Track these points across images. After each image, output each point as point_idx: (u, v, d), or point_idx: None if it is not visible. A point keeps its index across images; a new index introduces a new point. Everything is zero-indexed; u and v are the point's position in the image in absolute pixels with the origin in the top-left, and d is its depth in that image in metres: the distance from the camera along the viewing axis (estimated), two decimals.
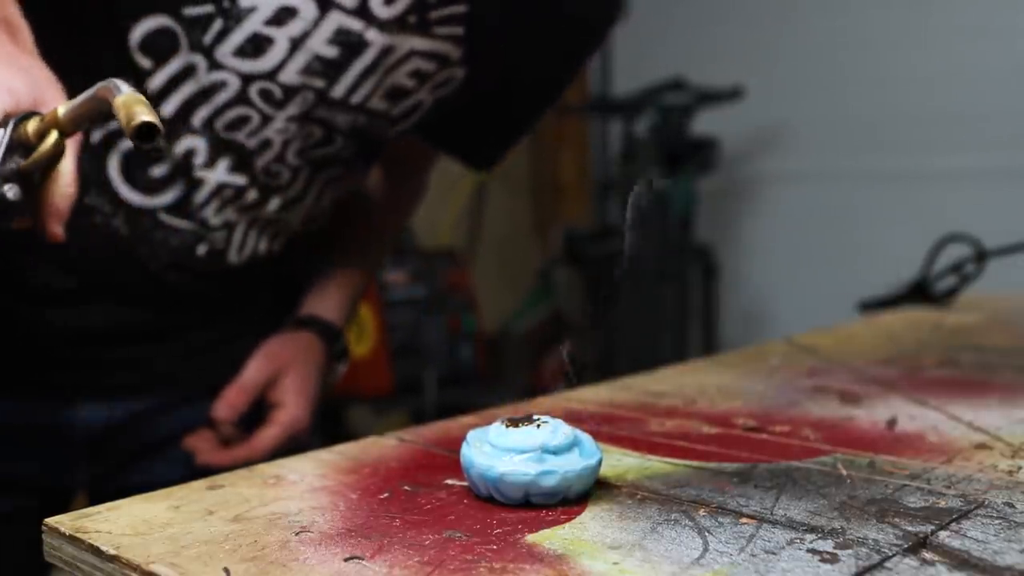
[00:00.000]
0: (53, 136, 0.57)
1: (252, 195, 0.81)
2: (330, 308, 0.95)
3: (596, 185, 3.63)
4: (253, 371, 0.87)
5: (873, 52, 2.85)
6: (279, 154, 0.80)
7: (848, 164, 2.94)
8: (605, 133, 3.55)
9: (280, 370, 0.89)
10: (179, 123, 0.76)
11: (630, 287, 2.87)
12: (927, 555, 0.44)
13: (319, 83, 0.76)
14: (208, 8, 0.72)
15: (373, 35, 0.74)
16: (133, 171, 0.78)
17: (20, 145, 0.56)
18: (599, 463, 0.53)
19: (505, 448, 0.51)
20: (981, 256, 1.27)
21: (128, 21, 0.73)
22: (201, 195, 0.79)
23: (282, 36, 0.73)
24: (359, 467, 0.59)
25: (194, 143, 0.77)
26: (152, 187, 0.78)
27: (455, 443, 0.61)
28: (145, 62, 0.74)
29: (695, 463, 0.59)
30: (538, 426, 0.52)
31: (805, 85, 2.99)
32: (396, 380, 2.42)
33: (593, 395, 0.80)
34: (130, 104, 0.51)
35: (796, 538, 0.46)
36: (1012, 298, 1.36)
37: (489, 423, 0.54)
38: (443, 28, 0.77)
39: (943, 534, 0.46)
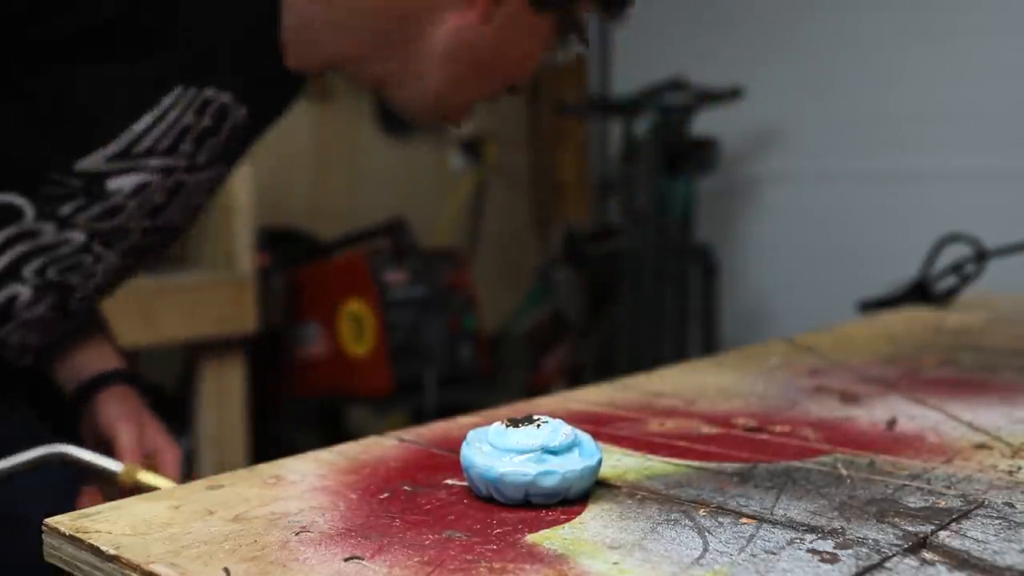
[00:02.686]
0: None
1: (59, 321, 0.88)
2: (114, 358, 0.98)
3: (596, 185, 3.63)
4: (126, 435, 0.89)
5: (873, 52, 2.85)
6: (97, 284, 0.87)
7: (848, 164, 2.94)
8: (605, 133, 3.55)
9: (140, 423, 0.92)
10: (5, 275, 0.81)
11: (630, 287, 2.87)
12: (927, 555, 0.44)
13: (146, 222, 0.85)
14: (72, 190, 0.78)
15: (190, 178, 0.85)
16: None
17: None
18: (599, 463, 0.53)
19: (505, 448, 0.51)
20: (981, 256, 1.27)
21: None
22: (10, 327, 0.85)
23: (133, 203, 0.82)
24: (359, 467, 0.59)
25: (18, 290, 0.82)
26: None
27: (455, 443, 0.61)
28: None
29: (695, 463, 0.59)
30: (538, 426, 0.52)
31: (805, 85, 2.99)
32: (396, 380, 2.42)
33: (593, 395, 0.80)
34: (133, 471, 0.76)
35: (796, 538, 0.46)
36: (1012, 298, 1.36)
37: (489, 423, 0.54)
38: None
39: (943, 534, 0.46)
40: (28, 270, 0.81)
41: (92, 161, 0.77)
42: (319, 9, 0.81)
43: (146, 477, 0.77)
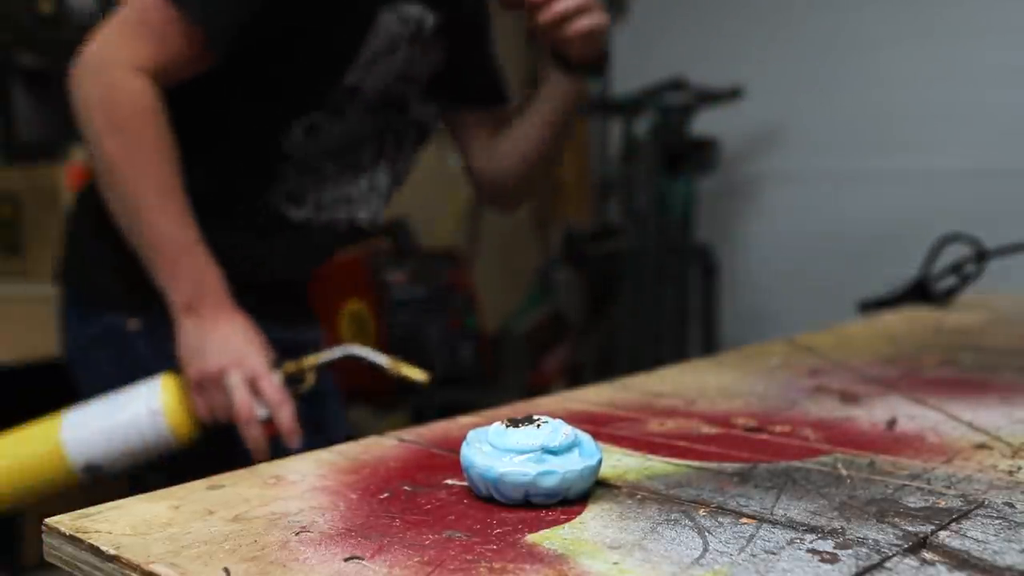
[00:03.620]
0: (310, 378, 0.95)
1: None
2: None
3: (596, 185, 3.63)
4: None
5: (873, 52, 2.85)
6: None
7: (848, 164, 2.94)
8: (605, 133, 3.55)
9: None
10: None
11: (630, 287, 2.87)
12: (927, 555, 0.44)
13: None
14: (341, 98, 1.05)
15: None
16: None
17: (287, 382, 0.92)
18: (599, 463, 0.53)
19: (505, 448, 0.51)
20: (981, 256, 1.27)
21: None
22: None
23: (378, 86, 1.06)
24: (359, 467, 0.59)
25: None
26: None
27: (455, 443, 0.61)
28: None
29: (695, 463, 0.59)
30: (538, 426, 0.52)
31: (805, 85, 2.99)
32: (396, 380, 2.42)
33: (593, 395, 0.80)
34: (398, 365, 0.98)
35: (796, 538, 0.46)
36: (1012, 298, 1.36)
37: (489, 423, 0.54)
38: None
39: (943, 534, 0.46)
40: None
41: (348, 78, 1.00)
42: None
43: (406, 370, 0.99)
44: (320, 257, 1.20)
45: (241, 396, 0.90)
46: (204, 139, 1.02)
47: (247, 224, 1.06)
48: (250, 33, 0.95)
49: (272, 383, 0.91)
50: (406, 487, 0.55)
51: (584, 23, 1.02)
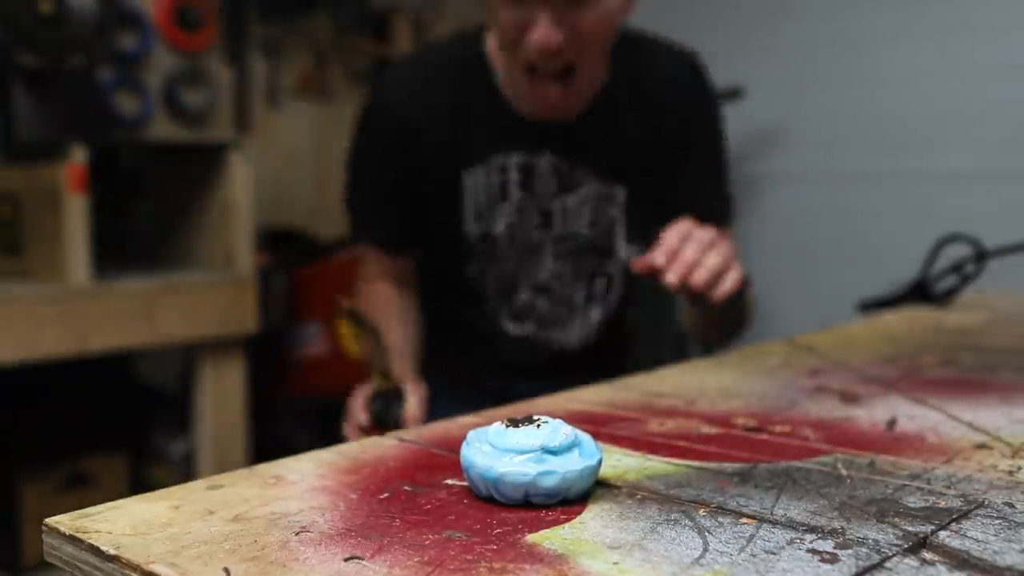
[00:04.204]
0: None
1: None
2: None
3: None
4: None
5: (873, 52, 2.85)
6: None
7: (848, 164, 2.94)
8: None
9: None
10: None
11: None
12: (927, 555, 0.44)
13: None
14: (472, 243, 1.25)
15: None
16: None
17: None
18: (599, 463, 0.53)
19: (505, 448, 0.51)
20: (981, 256, 1.27)
21: None
22: None
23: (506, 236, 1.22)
24: (359, 467, 0.59)
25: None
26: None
27: (455, 443, 0.61)
28: None
29: (695, 463, 0.59)
30: (538, 426, 0.52)
31: (805, 85, 2.99)
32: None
33: (593, 395, 0.80)
34: None
35: (796, 538, 0.46)
36: (1012, 298, 1.36)
37: (489, 423, 0.54)
38: None
39: (943, 534, 0.46)
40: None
41: (471, 228, 1.20)
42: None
43: None
44: (537, 364, 1.28)
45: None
46: (433, 291, 1.30)
47: (472, 337, 1.27)
48: (402, 228, 1.24)
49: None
50: (406, 487, 0.55)
51: (706, 279, 0.97)
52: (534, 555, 0.44)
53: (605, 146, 1.17)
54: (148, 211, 2.43)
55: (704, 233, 0.97)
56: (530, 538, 0.46)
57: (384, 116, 1.20)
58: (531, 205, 1.18)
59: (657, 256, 0.95)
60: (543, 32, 1.02)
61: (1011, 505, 0.50)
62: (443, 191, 1.18)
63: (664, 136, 1.19)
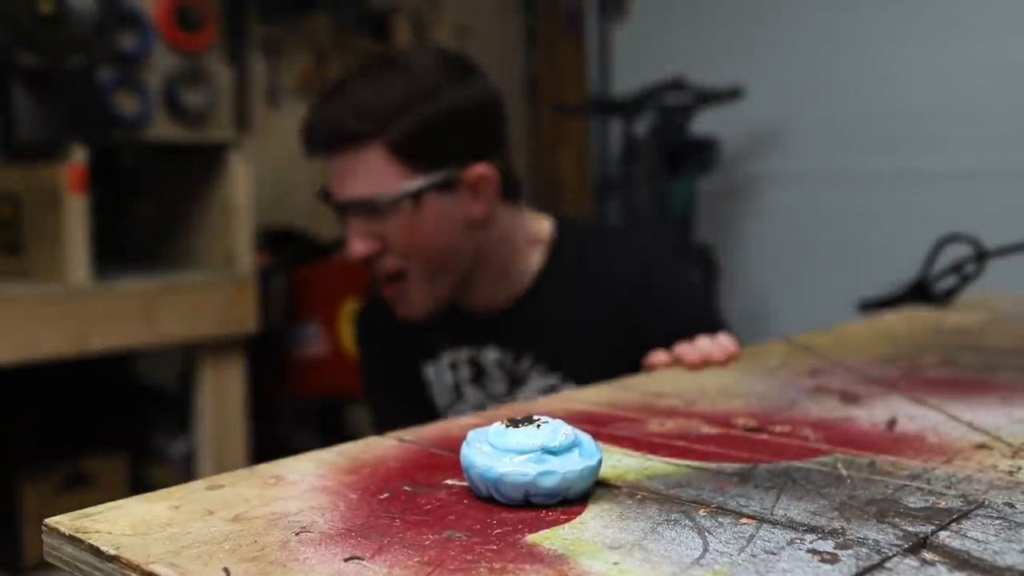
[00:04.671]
0: None
1: None
2: None
3: (596, 185, 3.62)
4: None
5: (872, 52, 2.85)
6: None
7: (848, 164, 2.94)
8: (605, 133, 3.55)
9: None
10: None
11: None
12: (927, 555, 0.44)
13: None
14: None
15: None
16: None
17: None
18: (599, 463, 0.53)
19: (505, 448, 0.51)
20: (981, 256, 1.27)
21: None
22: None
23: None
24: (359, 467, 0.59)
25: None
26: None
27: (455, 443, 0.61)
28: None
29: (695, 463, 0.59)
30: (538, 426, 0.52)
31: (805, 85, 2.99)
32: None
33: (593, 395, 0.80)
34: None
35: (796, 538, 0.46)
36: (1012, 298, 1.36)
37: (489, 423, 0.54)
38: None
39: (943, 534, 0.46)
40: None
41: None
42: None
43: None
44: None
45: None
46: None
47: None
48: (404, 414, 1.15)
49: None
50: (406, 487, 0.55)
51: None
52: (534, 555, 0.44)
53: (546, 331, 1.16)
54: (148, 211, 2.43)
55: (703, 340, 0.97)
56: (530, 538, 0.46)
57: (364, 321, 1.29)
58: (485, 405, 1.18)
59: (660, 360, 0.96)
60: (350, 242, 1.09)
61: (1011, 505, 0.50)
62: (416, 382, 1.24)
63: (609, 319, 1.16)
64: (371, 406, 1.33)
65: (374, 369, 1.30)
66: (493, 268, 1.15)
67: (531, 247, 1.17)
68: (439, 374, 1.21)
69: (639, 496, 0.53)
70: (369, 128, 1.04)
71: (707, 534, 0.47)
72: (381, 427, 1.26)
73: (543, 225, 1.19)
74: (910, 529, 0.47)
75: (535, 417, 0.53)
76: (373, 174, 1.04)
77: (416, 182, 1.04)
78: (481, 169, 1.07)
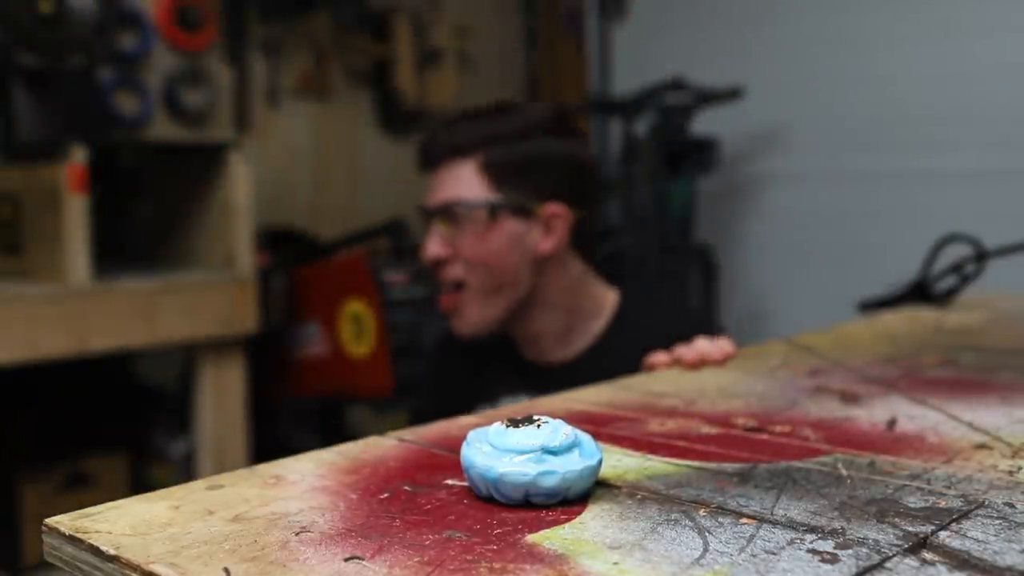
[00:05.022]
0: None
1: None
2: None
3: None
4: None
5: (873, 52, 2.85)
6: None
7: (848, 164, 2.94)
8: (605, 133, 3.55)
9: None
10: None
11: (630, 287, 2.87)
12: (927, 555, 0.44)
13: None
14: None
15: None
16: None
17: None
18: (599, 463, 0.53)
19: (505, 448, 0.51)
20: (981, 256, 1.27)
21: None
22: None
23: None
24: (359, 467, 0.59)
25: None
26: None
27: (455, 443, 0.61)
28: None
29: (695, 463, 0.59)
30: (538, 426, 0.52)
31: (805, 85, 2.99)
32: (396, 380, 2.42)
33: (593, 395, 0.80)
34: None
35: (796, 538, 0.46)
36: (1012, 298, 1.36)
37: (489, 423, 0.54)
38: None
39: (943, 534, 0.46)
40: None
41: None
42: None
43: None
44: None
45: None
46: None
47: None
48: None
49: None
50: (406, 487, 0.55)
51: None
52: (534, 555, 0.44)
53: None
54: (148, 211, 2.43)
55: (701, 341, 0.99)
56: (530, 538, 0.46)
57: (443, 347, 1.39)
58: None
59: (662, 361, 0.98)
60: (425, 244, 1.21)
61: (1011, 505, 0.50)
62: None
63: None
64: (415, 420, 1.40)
65: (433, 393, 1.37)
66: (555, 315, 1.22)
67: (597, 309, 1.25)
68: None
69: (639, 496, 0.53)
70: (468, 145, 1.17)
71: (707, 534, 0.47)
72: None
73: (610, 295, 1.27)
74: (910, 529, 0.47)
75: (535, 417, 0.53)
76: (462, 183, 1.17)
77: (496, 197, 1.16)
78: (557, 208, 1.17)
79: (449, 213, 1.18)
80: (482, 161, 1.17)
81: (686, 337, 1.14)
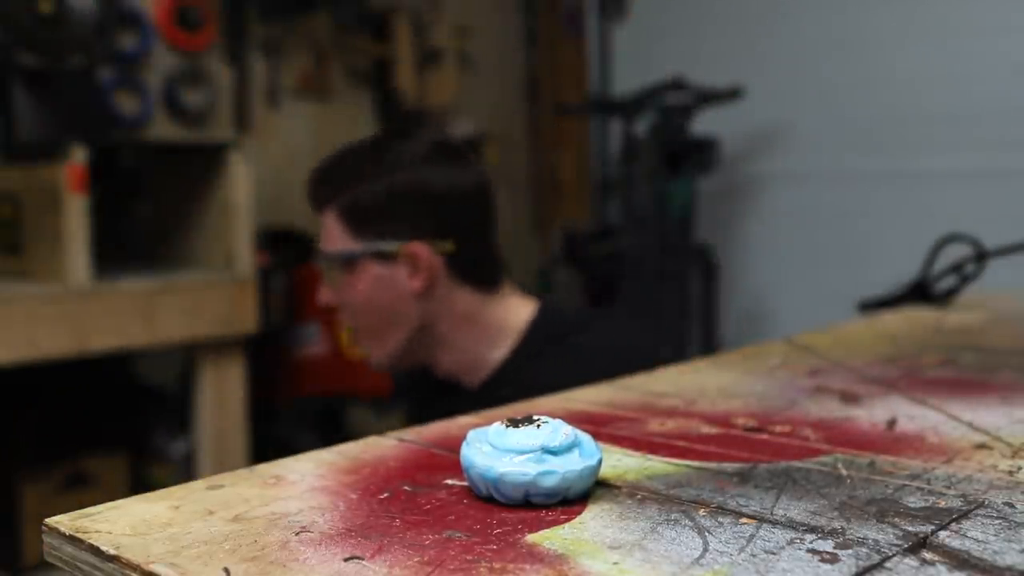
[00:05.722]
0: None
1: None
2: None
3: (596, 185, 3.63)
4: None
5: (872, 52, 2.85)
6: None
7: (848, 164, 2.94)
8: (605, 133, 3.55)
9: None
10: None
11: (630, 287, 2.87)
12: (927, 555, 0.44)
13: None
14: None
15: None
16: None
17: None
18: (599, 463, 0.53)
19: (505, 448, 0.51)
20: (981, 256, 1.27)
21: None
22: None
23: None
24: (359, 467, 0.59)
25: None
26: None
27: (455, 443, 0.61)
28: None
29: (695, 463, 0.59)
30: (538, 426, 0.52)
31: (805, 85, 2.99)
32: (395, 380, 2.42)
33: (593, 395, 0.80)
34: None
35: (796, 538, 0.46)
36: (1012, 298, 1.36)
37: (489, 423, 0.54)
38: None
39: (943, 534, 0.46)
40: None
41: None
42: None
43: None
44: None
45: None
46: None
47: None
48: None
49: None
50: (406, 487, 0.55)
51: None
52: (534, 555, 0.44)
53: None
54: (148, 211, 2.43)
55: None
56: (530, 538, 0.46)
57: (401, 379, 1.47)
58: None
59: None
60: (318, 291, 1.26)
61: (1011, 505, 0.50)
62: None
63: None
64: None
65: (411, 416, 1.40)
66: (453, 346, 1.22)
67: (498, 336, 1.22)
68: None
69: (639, 496, 0.53)
70: (326, 194, 1.18)
71: (707, 534, 0.47)
72: None
73: (520, 315, 1.22)
74: (910, 529, 0.47)
75: (535, 417, 0.53)
76: (327, 232, 1.19)
77: (356, 247, 1.17)
78: (417, 249, 1.16)
79: (320, 262, 1.22)
80: (340, 208, 1.17)
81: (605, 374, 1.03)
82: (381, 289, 1.18)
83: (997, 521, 0.48)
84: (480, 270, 1.22)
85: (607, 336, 1.32)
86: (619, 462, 0.59)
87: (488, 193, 1.22)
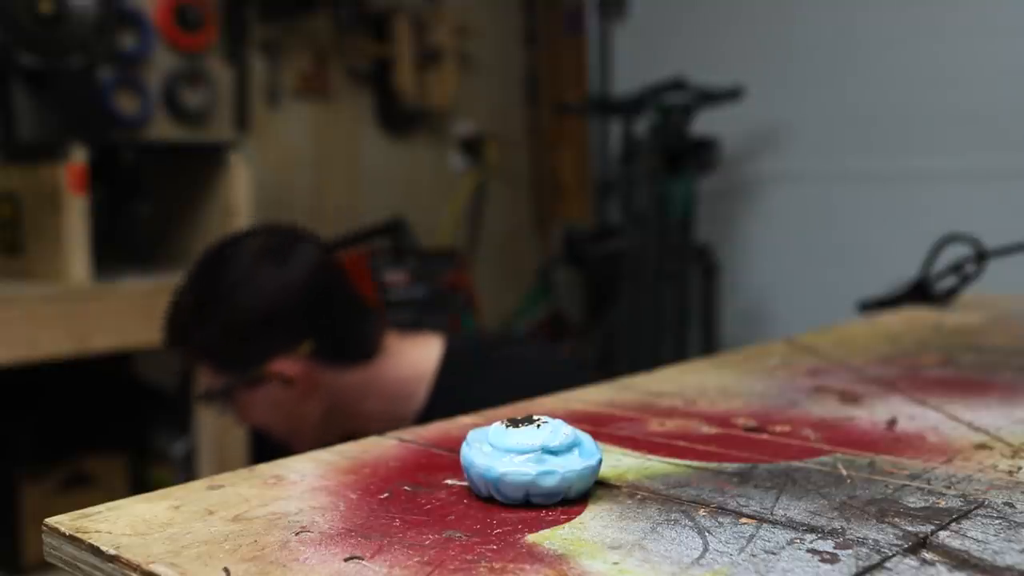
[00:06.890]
0: None
1: None
2: None
3: (596, 185, 3.63)
4: None
5: (873, 52, 2.85)
6: None
7: (848, 164, 2.94)
8: (605, 133, 3.55)
9: None
10: None
11: (630, 287, 2.87)
12: (927, 555, 0.44)
13: None
14: None
15: None
16: None
17: None
18: (599, 463, 0.53)
19: (505, 448, 0.51)
20: (981, 256, 1.27)
21: None
22: None
23: None
24: (359, 467, 0.59)
25: None
26: None
27: (455, 443, 0.61)
28: None
29: (695, 463, 0.59)
30: (538, 426, 0.52)
31: (805, 85, 2.99)
32: None
33: (593, 395, 0.80)
34: None
35: (796, 538, 0.46)
36: (1012, 298, 1.36)
37: (489, 423, 0.54)
38: None
39: (943, 534, 0.46)
40: None
41: None
42: None
43: None
44: None
45: None
46: None
47: None
48: None
49: None
50: (406, 487, 0.55)
51: None
52: (534, 555, 0.44)
53: None
54: (148, 211, 2.43)
55: None
56: (530, 538, 0.46)
57: None
58: None
59: None
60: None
61: (1011, 505, 0.50)
62: None
63: None
64: None
65: None
66: (371, 415, 1.20)
67: (410, 384, 1.20)
68: None
69: (639, 496, 0.53)
70: (174, 340, 1.18)
71: (707, 534, 0.47)
72: None
73: (427, 357, 1.21)
74: (910, 529, 0.47)
75: (535, 417, 0.53)
76: (202, 372, 1.19)
77: (225, 380, 1.16)
78: (279, 365, 1.14)
79: (205, 401, 1.22)
80: (195, 354, 1.18)
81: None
82: (270, 406, 1.18)
83: (997, 521, 0.48)
84: (352, 347, 1.19)
85: (523, 351, 1.31)
86: (619, 462, 0.59)
87: (327, 268, 1.17)
